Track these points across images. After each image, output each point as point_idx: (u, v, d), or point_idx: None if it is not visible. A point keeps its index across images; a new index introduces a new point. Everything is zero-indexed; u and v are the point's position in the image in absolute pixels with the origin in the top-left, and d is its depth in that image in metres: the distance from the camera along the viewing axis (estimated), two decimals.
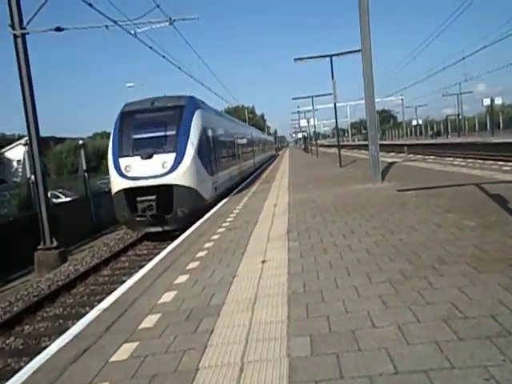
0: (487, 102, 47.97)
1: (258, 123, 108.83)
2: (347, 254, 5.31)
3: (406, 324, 3.16)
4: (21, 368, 6.01)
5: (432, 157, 22.88)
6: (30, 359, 6.42)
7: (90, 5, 12.96)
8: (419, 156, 24.73)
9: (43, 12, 13.36)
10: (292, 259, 5.44)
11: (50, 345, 4.32)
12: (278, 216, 9.05)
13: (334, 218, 7.82)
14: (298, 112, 51.90)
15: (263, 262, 5.56)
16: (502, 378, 2.37)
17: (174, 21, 15.39)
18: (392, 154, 31.02)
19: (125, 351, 3.48)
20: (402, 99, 79.91)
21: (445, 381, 2.41)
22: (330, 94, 21.01)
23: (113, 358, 3.39)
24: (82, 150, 20.80)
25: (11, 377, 3.48)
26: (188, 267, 5.93)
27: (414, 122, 76.52)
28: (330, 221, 7.66)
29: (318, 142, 58.37)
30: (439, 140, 46.77)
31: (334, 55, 20.18)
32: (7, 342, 7.50)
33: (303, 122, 50.47)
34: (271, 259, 5.61)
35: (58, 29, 14.02)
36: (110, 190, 21.58)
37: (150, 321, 4.09)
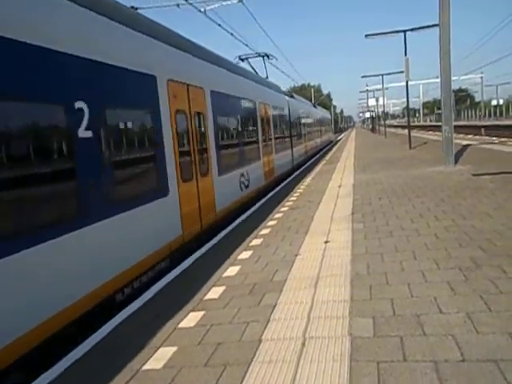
0: None
1: (324, 102, 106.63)
2: (414, 238, 5.15)
3: (475, 312, 3.04)
4: None
5: None
6: None
7: None
8: (499, 138, 22.91)
9: None
10: (356, 241, 5.38)
11: None
12: (342, 197, 8.92)
13: (402, 201, 7.56)
14: (367, 91, 50.13)
15: (326, 242, 5.55)
16: None
17: None
18: (468, 136, 29.02)
19: (192, 319, 3.70)
20: (482, 77, 74.02)
21: None
22: (402, 72, 20.00)
23: (181, 325, 3.62)
24: None
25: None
26: (251, 244, 6.08)
27: (494, 102, 70.71)
28: (396, 204, 7.43)
29: (387, 122, 56.00)
30: None
31: (407, 30, 19.07)
32: None
33: (371, 102, 48.73)
34: (334, 240, 5.59)
35: (133, 7, 14.57)
36: None
37: (215, 292, 4.29)
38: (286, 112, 16.86)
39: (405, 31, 19.19)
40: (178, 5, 14.56)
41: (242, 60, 16.16)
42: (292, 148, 17.79)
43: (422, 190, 8.51)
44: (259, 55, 17.07)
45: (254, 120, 11.80)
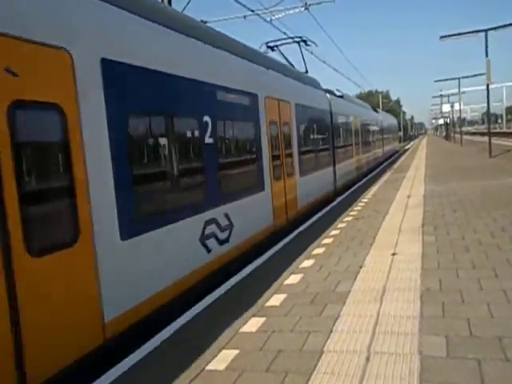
0: None
1: (393, 109, 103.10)
2: (495, 253, 4.73)
3: None
4: None
5: None
6: None
7: None
8: None
9: (190, 8, 14.55)
10: (427, 254, 5.05)
11: None
12: (411, 208, 8.48)
13: (480, 214, 7.01)
14: (441, 96, 47.48)
15: (394, 254, 5.28)
16: None
17: (310, 5, 15.33)
18: None
19: (254, 324, 3.67)
20: None
21: None
22: (482, 75, 18.73)
23: (243, 329, 3.61)
24: None
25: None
26: (314, 252, 5.95)
27: None
28: (474, 216, 6.90)
29: (464, 129, 52.70)
30: None
31: (489, 29, 17.82)
32: None
33: (446, 107, 46.23)
34: (403, 252, 5.30)
35: (202, 21, 15.14)
36: None
37: (276, 299, 4.23)
38: (326, 117, 12.92)
39: (486, 30, 17.96)
40: (244, 16, 14.88)
41: (272, 49, 12.58)
42: (334, 165, 12.99)
43: (504, 201, 7.83)
44: (294, 41, 13.04)
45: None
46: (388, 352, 2.85)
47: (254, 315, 3.89)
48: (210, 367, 3.02)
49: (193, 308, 4.51)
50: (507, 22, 17.05)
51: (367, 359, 2.80)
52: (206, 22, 15.20)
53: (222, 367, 2.99)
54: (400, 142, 60.19)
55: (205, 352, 3.28)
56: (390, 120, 37.21)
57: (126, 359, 3.44)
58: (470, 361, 2.59)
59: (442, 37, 18.85)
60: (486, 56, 17.58)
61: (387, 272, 4.61)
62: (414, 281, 4.19)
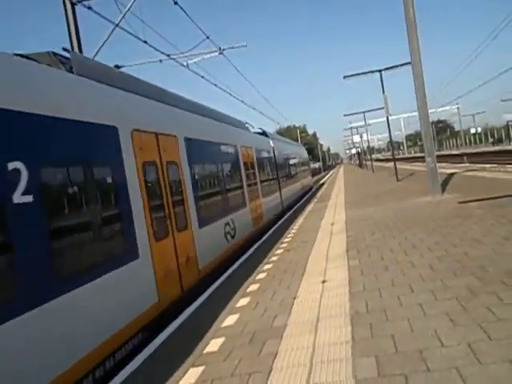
0: None
1: (311, 142, 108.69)
2: (409, 270, 5.17)
3: (476, 342, 3.03)
4: None
5: (494, 165, 21.59)
6: None
7: (145, 42, 13.93)
8: (480, 165, 23.45)
9: (102, 52, 14.52)
10: (353, 278, 5.38)
11: None
12: (335, 234, 8.97)
13: (394, 234, 7.63)
14: (351, 128, 51.45)
15: (323, 281, 5.54)
16: None
17: (224, 50, 16.05)
18: (451, 164, 29.66)
19: (193, 375, 3.62)
20: (458, 108, 76.79)
21: None
22: (382, 108, 20.66)
23: (181, 383, 3.54)
24: None
25: None
26: (248, 290, 6.04)
27: (473, 130, 73.05)
28: (389, 237, 7.49)
29: (373, 156, 57.13)
30: (501, 147, 44.01)
31: (383, 70, 19.95)
32: None
33: (356, 138, 49.98)
34: (331, 279, 5.58)
35: (117, 66, 15.11)
36: None
37: (214, 345, 4.21)
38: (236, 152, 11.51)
39: (380, 71, 20.07)
40: (160, 60, 15.12)
41: None
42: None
43: (413, 221, 8.61)
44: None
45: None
46: (326, 382, 2.98)
47: (192, 365, 3.83)
48: None
49: (132, 362, 4.33)
50: (398, 63, 19.30)
51: None
52: (120, 67, 15.21)
53: None
54: (316, 175, 55.15)
55: None
56: (297, 149, 28.96)
57: None
58: (398, 377, 2.81)
59: (345, 77, 20.71)
60: (383, 92, 19.54)
61: (319, 300, 4.82)
62: (343, 306, 4.43)
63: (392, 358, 3.10)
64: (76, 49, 14.08)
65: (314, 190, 31.48)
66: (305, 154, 33.41)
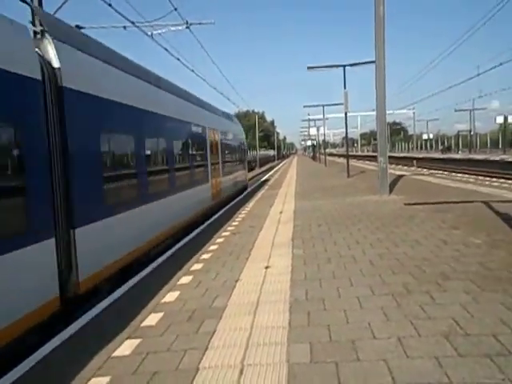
0: (500, 119, 47.79)
1: (268, 129, 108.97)
2: (351, 264, 5.33)
3: (406, 337, 3.18)
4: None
5: (441, 172, 22.79)
6: None
7: (110, 5, 13.17)
8: (428, 170, 24.65)
9: (64, 11, 13.61)
10: (296, 266, 5.47)
11: None
12: (283, 223, 9.08)
13: (339, 228, 7.84)
14: (309, 120, 52.10)
15: (267, 267, 5.59)
16: None
17: (191, 24, 15.53)
18: (401, 166, 30.94)
19: (128, 347, 3.53)
20: (414, 112, 79.95)
21: None
22: (342, 104, 21.03)
23: (116, 353, 3.44)
24: None
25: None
26: (192, 268, 5.98)
27: (425, 136, 76.36)
28: (335, 230, 7.68)
29: (327, 150, 58.36)
30: (450, 155, 46.56)
31: (347, 65, 20.21)
32: None
33: (313, 131, 50.65)
34: (275, 265, 5.64)
35: (78, 26, 14.22)
36: None
37: (152, 319, 4.14)
38: None
39: (344, 66, 20.32)
40: (124, 27, 14.40)
41: None
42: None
43: (359, 217, 8.89)
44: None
45: None
46: (260, 363, 3.01)
47: (128, 337, 3.74)
48: None
49: (62, 332, 4.15)
50: (362, 61, 19.55)
51: (240, 372, 2.91)
52: (81, 28, 14.31)
53: None
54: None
55: (71, 382, 3.04)
56: (231, 126, 19.01)
57: None
58: (329, 364, 2.89)
59: (309, 67, 20.77)
60: (344, 88, 19.87)
61: (261, 285, 4.85)
62: (284, 292, 4.50)
63: (325, 346, 3.18)
64: (36, 4, 13.08)
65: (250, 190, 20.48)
66: (239, 134, 21.22)
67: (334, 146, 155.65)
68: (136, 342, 3.63)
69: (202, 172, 12.13)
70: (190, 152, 11.13)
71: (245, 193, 19.02)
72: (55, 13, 13.26)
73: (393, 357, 2.91)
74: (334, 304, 4.02)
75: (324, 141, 52.09)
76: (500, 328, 3.20)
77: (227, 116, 18.43)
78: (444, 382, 2.55)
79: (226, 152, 16.45)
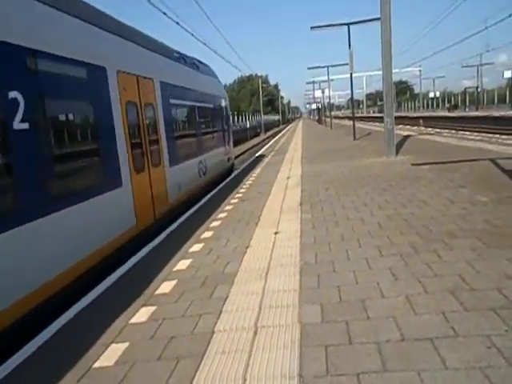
0: (508, 73, 46.58)
1: (272, 93, 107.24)
2: (359, 226, 5.40)
3: (414, 295, 3.27)
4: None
5: (448, 130, 22.48)
6: None
7: None
8: (435, 129, 24.32)
9: None
10: (304, 230, 5.55)
11: None
12: (290, 188, 9.13)
13: (347, 191, 7.87)
14: (313, 82, 51.07)
15: (276, 233, 5.68)
16: (503, 346, 2.48)
17: None
18: (407, 126, 30.53)
19: (144, 314, 3.67)
20: (420, 70, 78.01)
21: (449, 348, 2.53)
22: (347, 64, 20.55)
23: (132, 320, 3.59)
24: None
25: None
26: (202, 236, 6.09)
27: (432, 94, 74.85)
28: (342, 194, 7.72)
29: (333, 113, 57.52)
30: (456, 113, 45.72)
31: (351, 23, 19.63)
32: None
33: (318, 93, 49.75)
34: (284, 230, 5.73)
35: None
36: None
37: (166, 287, 4.27)
38: None
39: (348, 24, 19.74)
40: None
41: None
42: None
43: (366, 180, 8.90)
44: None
45: None
46: (273, 325, 3.13)
47: (144, 305, 3.88)
48: (97, 364, 2.95)
49: (79, 302, 4.31)
50: (366, 18, 18.91)
51: (255, 333, 3.04)
52: None
53: (111, 363, 2.95)
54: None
55: (92, 349, 3.19)
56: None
57: (10, 360, 3.17)
58: (340, 323, 3.00)
59: (312, 27, 20.17)
60: (349, 47, 19.36)
61: (270, 250, 4.96)
62: (294, 256, 4.60)
63: (336, 306, 3.28)
64: None
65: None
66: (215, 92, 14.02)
67: (340, 108, 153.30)
68: (151, 309, 3.77)
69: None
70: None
71: (228, 179, 12.97)
72: None
73: (401, 314, 3.01)
74: (343, 266, 4.12)
75: (329, 103, 51.27)
76: (505, 282, 3.27)
77: (192, 64, 11.78)
78: (450, 335, 2.65)
79: (182, 121, 10.52)
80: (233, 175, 13.94)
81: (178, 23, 16.82)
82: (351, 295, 3.43)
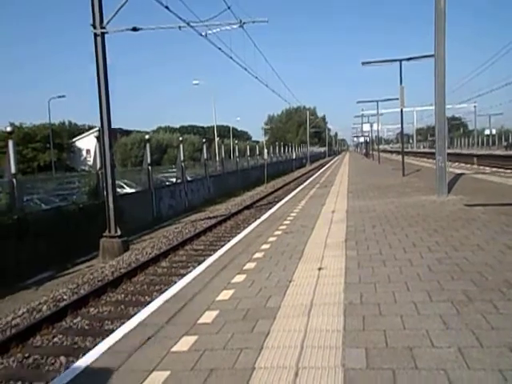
0: None
1: (319, 125, 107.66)
2: (407, 268, 5.20)
3: (467, 347, 3.07)
4: (86, 347, 6.54)
5: (504, 170, 21.45)
6: (95, 339, 6.93)
7: (167, 7, 13.66)
8: (490, 168, 23.29)
9: (121, 14, 14.26)
10: (349, 268, 5.42)
11: (112, 328, 4.63)
12: (335, 223, 9.00)
13: (395, 230, 7.65)
14: (362, 116, 50.78)
15: (320, 269, 5.59)
16: None
17: (244, 23, 15.73)
18: (460, 164, 29.46)
19: (185, 343, 3.69)
20: (475, 106, 75.62)
21: None
22: (397, 99, 20.37)
23: (174, 349, 3.61)
24: (148, 145, 21.43)
25: (79, 355, 3.81)
26: (245, 267, 6.10)
27: (487, 132, 72.18)
28: (389, 232, 7.50)
29: (381, 147, 56.66)
30: None
31: (403, 60, 19.54)
32: (74, 321, 8.14)
33: (366, 127, 49.38)
34: (328, 267, 5.62)
35: (135, 29, 14.84)
36: (171, 184, 21.26)
37: (208, 317, 4.29)
38: None
39: (401, 60, 19.66)
40: (179, 27, 14.86)
41: None
42: None
43: (415, 219, 8.61)
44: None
45: None
46: (315, 366, 3.04)
47: (185, 334, 3.91)
48: None
49: (122, 326, 4.41)
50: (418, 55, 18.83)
51: (296, 374, 2.96)
52: (138, 29, 14.92)
53: None
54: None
55: (133, 375, 3.23)
56: None
57: None
58: (386, 371, 2.86)
59: (363, 63, 20.31)
60: (401, 83, 19.23)
61: (314, 286, 4.87)
62: (338, 295, 4.48)
63: (381, 351, 3.15)
64: (97, 8, 13.84)
65: None
66: None
67: (388, 141, 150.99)
68: (193, 338, 3.78)
69: None
70: None
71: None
72: (114, 15, 13.89)
73: (453, 367, 2.83)
74: (390, 309, 3.96)
75: (377, 137, 50.66)
76: None
77: None
78: None
79: None
80: (277, 206, 13.98)
81: (231, 58, 17.49)
82: (398, 341, 3.28)
